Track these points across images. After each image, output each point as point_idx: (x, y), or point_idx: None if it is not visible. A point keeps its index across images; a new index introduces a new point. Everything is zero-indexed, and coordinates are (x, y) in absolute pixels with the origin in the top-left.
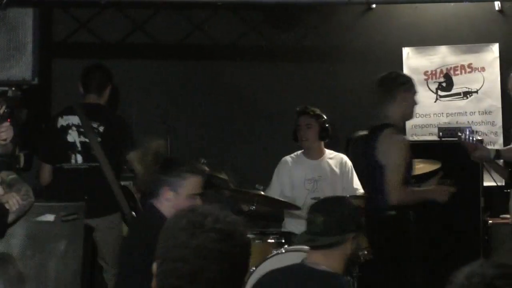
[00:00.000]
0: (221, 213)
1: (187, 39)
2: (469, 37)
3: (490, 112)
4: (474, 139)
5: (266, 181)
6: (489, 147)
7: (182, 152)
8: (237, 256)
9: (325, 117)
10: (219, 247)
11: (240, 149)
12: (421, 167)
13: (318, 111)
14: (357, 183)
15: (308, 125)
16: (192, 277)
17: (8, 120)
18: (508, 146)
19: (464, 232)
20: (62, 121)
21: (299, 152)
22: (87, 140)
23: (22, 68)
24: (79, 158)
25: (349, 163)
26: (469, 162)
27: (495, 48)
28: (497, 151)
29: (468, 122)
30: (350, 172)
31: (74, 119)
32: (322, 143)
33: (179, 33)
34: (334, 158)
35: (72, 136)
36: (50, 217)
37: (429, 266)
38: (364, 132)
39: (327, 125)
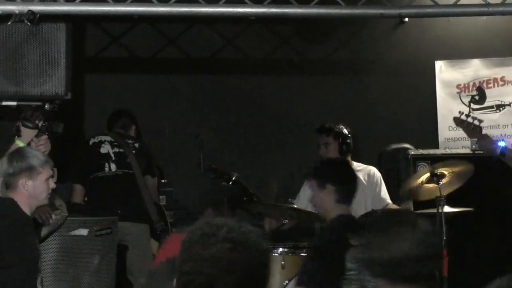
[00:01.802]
0: (236, 224)
1: (219, 53)
2: (501, 50)
3: None
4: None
5: (295, 195)
6: None
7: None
8: (252, 266)
9: (345, 132)
10: (232, 256)
11: (271, 162)
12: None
13: (337, 128)
14: (385, 194)
15: (326, 144)
16: None
17: (46, 133)
18: None
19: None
20: (94, 140)
21: None
22: (121, 150)
23: (55, 83)
24: (113, 166)
25: (378, 174)
26: (502, 169)
27: None
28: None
29: (501, 135)
30: (378, 183)
31: (107, 138)
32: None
33: (211, 48)
34: (362, 170)
35: (106, 148)
36: (83, 232)
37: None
38: (397, 146)
39: (348, 140)
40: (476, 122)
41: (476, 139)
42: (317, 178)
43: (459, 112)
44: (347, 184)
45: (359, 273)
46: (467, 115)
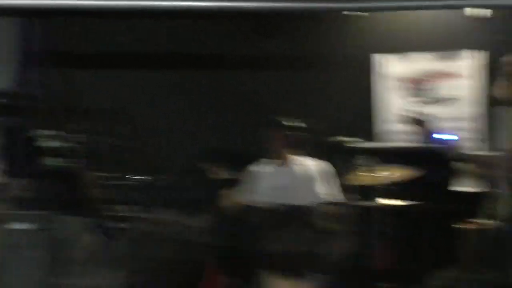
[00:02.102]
0: None
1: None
2: (447, 44)
3: (466, 117)
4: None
5: None
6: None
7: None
8: None
9: (291, 125)
10: None
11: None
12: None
13: (283, 122)
14: (323, 189)
15: (273, 136)
16: None
17: None
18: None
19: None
20: None
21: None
22: None
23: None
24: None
25: (328, 169)
26: (443, 167)
27: (469, 55)
28: None
29: (444, 126)
30: (322, 178)
31: None
32: (292, 150)
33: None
34: (303, 164)
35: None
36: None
37: None
38: (337, 138)
39: (294, 133)
40: (422, 118)
41: (421, 133)
42: None
43: (406, 109)
44: None
45: None
46: (414, 112)
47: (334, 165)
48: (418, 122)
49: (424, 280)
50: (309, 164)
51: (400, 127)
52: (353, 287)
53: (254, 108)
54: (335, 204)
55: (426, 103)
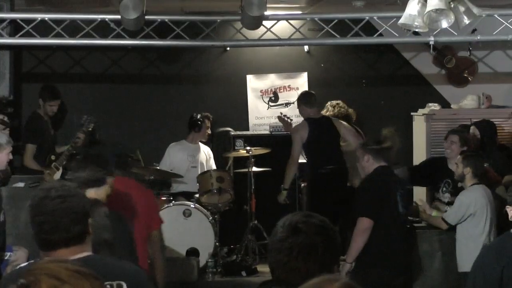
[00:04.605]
0: (59, 183)
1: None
2: (288, 67)
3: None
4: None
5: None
6: None
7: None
8: (79, 207)
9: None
10: (63, 206)
11: (147, 138)
12: (258, 151)
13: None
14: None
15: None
16: (55, 229)
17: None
18: None
19: None
20: None
21: (182, 140)
22: None
23: (3, 89)
24: None
25: (209, 150)
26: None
27: (304, 75)
28: None
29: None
30: (211, 156)
31: None
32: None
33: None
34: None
35: None
36: (21, 184)
37: None
38: (223, 129)
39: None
40: (288, 119)
41: (287, 128)
42: None
43: (280, 113)
44: None
45: None
46: (285, 115)
47: (221, 146)
48: (281, 119)
49: None
50: (206, 147)
51: (262, 121)
52: None
53: (166, 113)
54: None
55: (278, 106)
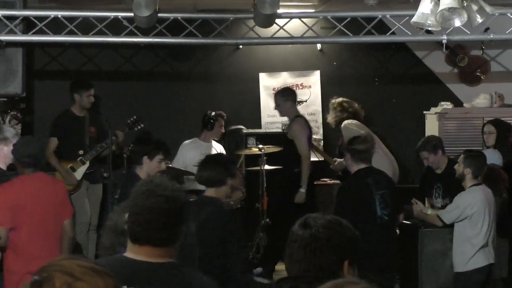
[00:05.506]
0: (169, 184)
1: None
2: (300, 66)
3: (314, 114)
4: None
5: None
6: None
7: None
8: (177, 213)
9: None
10: (165, 207)
11: (159, 136)
12: (270, 149)
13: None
14: None
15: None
16: (147, 225)
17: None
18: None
19: None
20: None
21: (195, 138)
22: None
23: (15, 86)
24: None
25: (221, 147)
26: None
27: (317, 73)
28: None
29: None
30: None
31: None
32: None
33: (117, 64)
34: (216, 144)
35: None
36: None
37: None
38: (235, 127)
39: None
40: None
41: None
42: None
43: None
44: None
45: None
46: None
47: (233, 143)
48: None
49: None
50: (218, 145)
51: (275, 119)
52: None
53: (178, 110)
54: None
55: None
